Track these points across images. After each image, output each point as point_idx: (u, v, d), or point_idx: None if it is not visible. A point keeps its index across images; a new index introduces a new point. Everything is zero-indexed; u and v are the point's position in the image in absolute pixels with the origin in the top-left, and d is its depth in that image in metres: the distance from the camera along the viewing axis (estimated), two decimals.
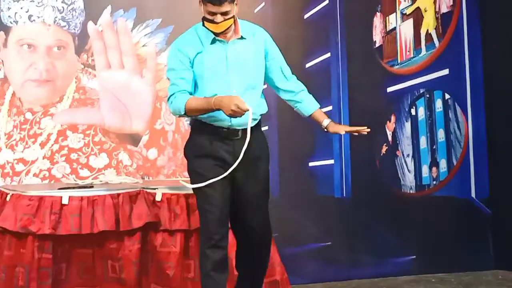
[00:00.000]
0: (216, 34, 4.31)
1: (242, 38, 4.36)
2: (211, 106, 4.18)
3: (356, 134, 4.55)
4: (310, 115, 4.57)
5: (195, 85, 4.34)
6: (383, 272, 6.14)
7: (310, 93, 4.57)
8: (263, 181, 4.42)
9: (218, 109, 4.16)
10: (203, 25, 4.29)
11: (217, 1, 4.19)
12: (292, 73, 4.56)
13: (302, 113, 4.58)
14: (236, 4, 4.29)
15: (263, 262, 4.52)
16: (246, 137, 4.24)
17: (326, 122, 4.54)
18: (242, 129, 4.30)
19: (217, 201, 4.31)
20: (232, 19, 4.28)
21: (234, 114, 4.13)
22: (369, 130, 4.48)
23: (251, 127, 4.28)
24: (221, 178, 4.27)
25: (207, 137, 4.32)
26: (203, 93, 4.30)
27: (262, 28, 4.51)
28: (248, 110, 4.12)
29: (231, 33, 4.34)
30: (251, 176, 4.36)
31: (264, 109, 4.46)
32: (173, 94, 4.30)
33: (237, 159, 4.24)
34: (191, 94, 4.30)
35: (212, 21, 4.23)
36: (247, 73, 4.34)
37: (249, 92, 4.32)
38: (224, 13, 4.21)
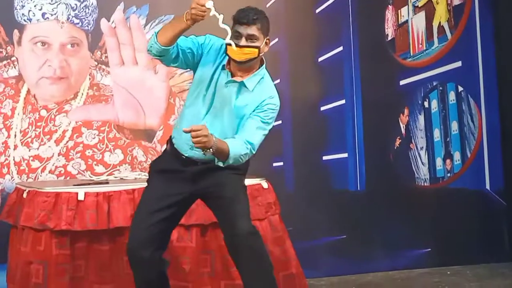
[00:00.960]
0: (231, 64, 4.01)
1: (245, 87, 4.02)
2: (182, 18, 3.82)
3: None
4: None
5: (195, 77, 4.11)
6: (398, 265, 6.14)
7: (245, 149, 4.00)
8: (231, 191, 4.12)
9: (190, 20, 3.79)
10: (226, 51, 3.99)
11: (244, 19, 3.92)
12: (254, 142, 4.02)
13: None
14: (266, 43, 4.02)
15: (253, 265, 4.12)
16: (206, 165, 4.04)
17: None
18: (200, 160, 4.08)
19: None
20: (256, 52, 3.97)
21: (195, 15, 3.76)
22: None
23: (216, 167, 3.99)
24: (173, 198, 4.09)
25: (171, 158, 4.16)
26: (193, 91, 4.12)
27: (275, 94, 4.10)
28: (204, 5, 3.74)
29: (241, 73, 4.03)
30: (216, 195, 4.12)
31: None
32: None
33: (195, 185, 4.08)
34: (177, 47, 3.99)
35: (235, 44, 3.91)
36: (225, 117, 4.05)
37: (217, 134, 3.92)
38: (250, 37, 3.94)
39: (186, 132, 3.77)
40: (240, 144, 3.94)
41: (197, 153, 4.04)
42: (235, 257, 4.13)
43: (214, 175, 4.11)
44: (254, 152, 4.02)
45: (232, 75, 4.05)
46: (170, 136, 4.23)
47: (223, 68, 4.05)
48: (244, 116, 4.03)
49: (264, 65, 4.13)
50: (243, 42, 3.94)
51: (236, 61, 3.98)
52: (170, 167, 4.16)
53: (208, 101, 4.06)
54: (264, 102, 4.03)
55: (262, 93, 4.05)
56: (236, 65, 4.00)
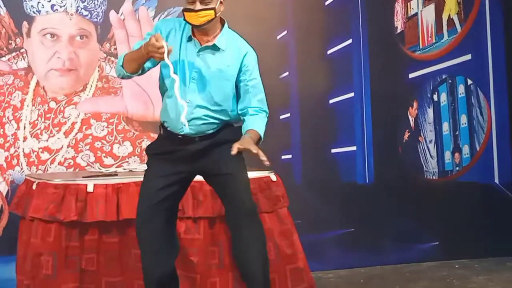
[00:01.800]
0: (194, 31, 4.10)
1: (216, 47, 4.12)
2: (141, 51, 3.97)
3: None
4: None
5: (161, 74, 4.22)
6: (406, 258, 6.15)
7: (266, 118, 4.24)
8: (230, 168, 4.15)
9: (148, 53, 3.92)
10: (184, 18, 4.08)
11: None
12: (265, 104, 4.23)
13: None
14: (221, 3, 4.08)
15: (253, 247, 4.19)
16: (204, 143, 4.13)
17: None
18: (199, 136, 4.16)
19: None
20: (213, 13, 4.04)
21: (152, 54, 3.91)
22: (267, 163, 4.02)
23: (212, 133, 4.15)
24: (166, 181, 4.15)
25: (166, 140, 4.20)
26: (162, 85, 4.21)
27: (247, 44, 4.22)
28: (162, 46, 3.86)
29: (209, 37, 4.11)
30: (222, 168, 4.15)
31: (232, 118, 4.23)
32: (120, 56, 4.15)
33: (193, 164, 4.14)
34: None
35: (190, 10, 4.01)
36: (209, 86, 4.11)
37: (207, 105, 4.11)
38: (203, 1, 4.01)
39: (232, 151, 3.94)
40: (260, 119, 4.17)
41: (192, 129, 4.12)
42: (236, 233, 4.18)
43: (213, 153, 4.16)
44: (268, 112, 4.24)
45: (200, 44, 4.13)
46: (161, 122, 4.25)
47: (188, 40, 4.13)
48: (228, 74, 4.13)
49: (226, 24, 4.19)
50: (198, 6, 4.03)
51: (196, 26, 4.06)
52: (167, 149, 4.18)
53: (185, 75, 4.11)
54: (244, 61, 4.15)
55: (237, 49, 4.16)
56: (198, 30, 4.09)
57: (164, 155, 4.20)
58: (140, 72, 4.16)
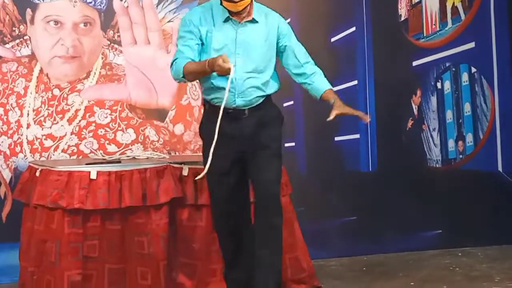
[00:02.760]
0: (231, 13, 4.36)
1: (254, 21, 4.40)
2: (205, 68, 4.23)
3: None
4: (321, 97, 4.56)
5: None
6: (410, 246, 6.15)
7: (325, 76, 4.59)
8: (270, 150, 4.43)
9: (213, 70, 4.21)
10: (221, 3, 4.35)
11: None
12: (310, 57, 4.59)
13: (315, 96, 4.59)
14: None
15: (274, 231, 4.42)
16: (254, 115, 4.39)
17: (332, 101, 4.54)
18: (248, 108, 4.40)
19: (227, 186, 4.45)
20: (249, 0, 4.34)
21: (220, 73, 4.20)
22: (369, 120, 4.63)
23: (257, 105, 4.41)
24: (228, 161, 4.39)
25: (216, 119, 4.27)
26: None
27: (276, 13, 4.53)
28: (229, 68, 4.15)
29: (245, 14, 4.38)
30: (264, 153, 4.40)
31: (273, 88, 4.50)
32: (175, 59, 4.36)
33: (246, 136, 4.38)
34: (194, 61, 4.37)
35: (230, 0, 4.28)
36: (254, 56, 4.39)
37: (254, 74, 4.39)
38: None
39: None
40: (323, 76, 4.58)
41: (243, 101, 4.39)
42: (261, 217, 4.38)
43: (261, 134, 4.41)
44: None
45: (239, 20, 4.38)
46: (207, 102, 4.46)
47: (225, 21, 4.37)
48: (269, 42, 4.42)
49: None
50: None
51: (234, 12, 4.36)
52: (223, 130, 4.28)
53: (230, 53, 4.33)
54: (280, 29, 4.48)
55: (271, 19, 4.46)
56: (234, 12, 4.36)
57: (219, 138, 4.27)
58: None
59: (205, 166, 4.30)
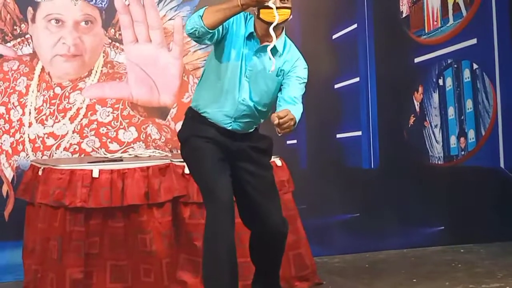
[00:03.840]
0: (258, 27, 4.02)
1: (274, 49, 4.01)
2: (236, 2, 3.83)
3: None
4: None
5: (214, 58, 4.14)
6: (412, 243, 6.15)
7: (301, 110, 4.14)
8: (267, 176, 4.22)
9: (245, 4, 3.82)
10: (258, 16, 4.00)
11: None
12: (300, 100, 4.14)
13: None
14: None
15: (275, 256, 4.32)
16: (247, 138, 4.14)
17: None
18: (241, 133, 4.15)
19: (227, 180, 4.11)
20: (289, 13, 4.03)
21: (259, 2, 3.85)
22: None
23: (251, 132, 4.17)
24: (221, 161, 4.08)
25: (208, 127, 4.13)
26: (211, 70, 4.16)
27: (301, 56, 4.19)
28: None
29: (270, 38, 3.96)
30: (255, 173, 4.17)
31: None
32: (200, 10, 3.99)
33: (237, 149, 4.11)
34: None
35: (268, 7, 3.91)
36: (261, 86, 4.10)
37: (257, 107, 4.12)
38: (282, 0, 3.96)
39: (274, 121, 3.76)
40: (299, 108, 4.02)
41: (239, 126, 4.12)
42: (262, 248, 4.26)
43: (253, 160, 4.14)
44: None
45: (260, 42, 4.07)
46: (196, 110, 4.17)
47: (249, 38, 4.05)
48: (279, 79, 4.09)
49: (284, 30, 4.14)
50: (278, 3, 3.95)
51: (271, 23, 3.93)
52: (211, 137, 4.10)
53: (240, 70, 4.07)
54: (296, 63, 4.11)
55: (292, 55, 4.12)
56: (269, 27, 3.93)
57: (210, 140, 4.10)
58: (215, 31, 3.94)
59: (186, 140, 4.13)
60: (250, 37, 4.07)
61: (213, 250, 4.02)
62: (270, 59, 3.99)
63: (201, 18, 3.86)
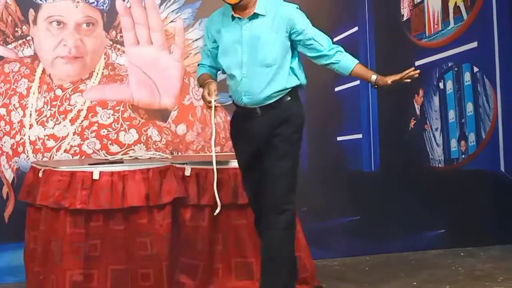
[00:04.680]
0: (233, 9, 4.37)
1: (259, 15, 4.36)
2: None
3: (408, 80, 4.60)
4: (351, 72, 4.50)
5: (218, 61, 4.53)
6: (412, 246, 6.15)
7: (347, 52, 4.52)
8: (283, 156, 4.39)
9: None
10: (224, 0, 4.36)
11: None
12: (330, 40, 4.50)
13: (343, 73, 4.53)
14: None
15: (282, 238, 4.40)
16: (266, 114, 4.39)
17: (374, 77, 4.51)
18: (260, 107, 4.42)
19: (251, 182, 4.53)
20: None
21: (203, 99, 4.42)
22: (418, 71, 4.55)
23: (270, 104, 4.39)
24: (248, 155, 4.49)
25: (236, 116, 4.56)
26: (222, 68, 4.52)
27: (288, 4, 4.46)
28: (210, 102, 4.34)
29: (249, 9, 4.37)
30: (271, 153, 4.39)
31: (289, 82, 4.45)
32: (199, 64, 4.66)
33: (258, 136, 4.40)
34: (210, 66, 4.60)
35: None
36: (260, 51, 4.35)
37: (263, 70, 4.36)
38: None
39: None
40: (342, 50, 4.49)
41: (250, 99, 4.41)
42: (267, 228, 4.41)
43: (272, 135, 4.40)
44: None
45: (243, 18, 4.39)
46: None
47: (232, 20, 4.40)
48: (278, 38, 4.37)
49: None
50: None
51: (234, 4, 4.34)
52: (239, 128, 4.54)
53: (238, 51, 4.40)
54: (289, 18, 4.38)
55: (277, 9, 4.40)
56: (237, 7, 4.36)
57: (240, 133, 4.53)
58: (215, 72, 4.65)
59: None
60: (233, 18, 4.40)
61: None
62: (256, 25, 4.36)
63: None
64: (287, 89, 4.44)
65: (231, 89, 4.51)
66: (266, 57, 4.36)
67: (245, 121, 4.47)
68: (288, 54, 4.43)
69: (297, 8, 4.45)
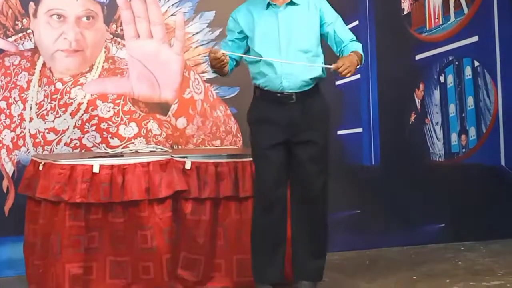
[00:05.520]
0: None
1: (294, 3, 4.56)
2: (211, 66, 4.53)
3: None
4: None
5: (249, 49, 4.64)
6: (412, 240, 6.15)
7: (359, 42, 4.72)
8: (317, 145, 4.62)
9: (214, 67, 4.50)
10: None
11: None
12: (351, 33, 4.73)
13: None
14: None
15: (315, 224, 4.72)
16: (302, 101, 4.51)
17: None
18: (296, 92, 4.54)
19: (271, 170, 4.56)
20: None
21: (215, 65, 4.45)
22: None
23: (304, 91, 4.54)
24: (275, 144, 4.53)
25: (265, 103, 4.59)
26: (257, 55, 4.56)
27: None
28: (223, 54, 4.39)
29: None
30: (305, 141, 4.57)
31: (323, 73, 4.63)
32: None
33: (293, 123, 4.51)
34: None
35: None
36: (297, 38, 4.54)
37: (300, 55, 4.53)
38: None
39: (336, 70, 4.39)
40: (356, 44, 4.63)
41: (291, 83, 4.52)
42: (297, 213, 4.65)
43: (307, 124, 4.55)
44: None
45: (278, 5, 4.58)
46: (257, 86, 4.63)
47: (267, 8, 4.57)
48: (313, 25, 4.58)
49: None
50: None
51: None
52: (267, 115, 4.56)
53: (276, 37, 4.54)
54: (320, 7, 4.61)
55: (313, 2, 4.61)
56: None
57: (266, 124, 4.56)
58: (229, 72, 4.67)
59: (252, 146, 4.62)
60: (268, 6, 4.57)
61: None
62: (292, 13, 4.54)
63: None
64: (321, 78, 4.63)
65: (265, 77, 4.55)
66: (303, 43, 4.54)
67: (277, 109, 4.53)
68: (319, 43, 4.65)
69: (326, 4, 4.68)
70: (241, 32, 4.64)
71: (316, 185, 4.63)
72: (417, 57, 6.26)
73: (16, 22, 5.49)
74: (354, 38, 4.68)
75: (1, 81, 5.46)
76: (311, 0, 4.61)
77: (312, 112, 4.58)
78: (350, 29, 6.03)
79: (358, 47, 4.60)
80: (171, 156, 4.96)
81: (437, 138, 6.31)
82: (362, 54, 4.58)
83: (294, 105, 4.55)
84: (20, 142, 5.47)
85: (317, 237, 4.73)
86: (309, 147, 4.59)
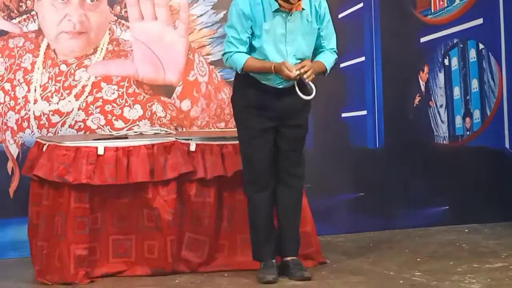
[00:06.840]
0: (282, 3, 4.56)
1: (302, 9, 4.64)
2: (271, 71, 4.56)
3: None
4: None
5: (251, 46, 4.66)
6: (416, 223, 6.16)
7: (334, 54, 4.86)
8: (301, 128, 4.81)
9: (277, 74, 4.56)
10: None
11: None
12: (335, 44, 4.87)
13: None
14: None
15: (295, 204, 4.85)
16: (295, 93, 4.61)
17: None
18: (289, 87, 4.65)
19: (262, 153, 4.70)
20: None
21: (286, 78, 4.56)
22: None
23: (298, 106, 4.71)
24: (266, 129, 4.67)
25: (257, 90, 4.67)
26: (260, 57, 4.63)
27: None
28: (296, 76, 4.53)
29: (296, 4, 4.58)
30: (292, 125, 4.73)
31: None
32: (231, 52, 4.64)
33: (286, 110, 4.67)
34: (247, 54, 4.65)
35: (287, 1, 4.52)
36: (302, 44, 4.67)
37: (301, 59, 4.67)
38: None
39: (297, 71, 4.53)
40: (329, 55, 4.80)
41: (290, 83, 4.63)
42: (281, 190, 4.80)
43: (296, 118, 4.75)
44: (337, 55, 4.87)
45: (288, 11, 4.62)
46: (250, 77, 4.68)
47: (274, 11, 4.60)
48: (314, 30, 4.71)
49: None
50: None
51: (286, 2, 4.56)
52: (260, 103, 4.68)
53: (282, 42, 4.65)
54: (319, 11, 4.72)
55: (312, 3, 4.70)
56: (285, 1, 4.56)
57: (258, 110, 4.68)
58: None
59: (244, 128, 4.73)
60: (278, 10, 4.59)
61: None
62: (299, 19, 4.63)
63: (242, 67, 4.62)
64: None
65: (266, 76, 4.64)
66: (307, 50, 4.70)
67: (271, 96, 4.66)
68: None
69: (325, 3, 4.77)
70: (251, 28, 4.65)
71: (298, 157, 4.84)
72: (422, 39, 6.25)
73: (20, 4, 5.48)
74: (335, 48, 4.83)
75: (6, 63, 5.45)
76: (312, 2, 4.70)
77: (303, 105, 4.76)
78: (355, 11, 6.09)
79: (330, 60, 4.78)
80: (176, 139, 4.97)
81: (442, 121, 6.31)
82: (331, 66, 4.79)
83: (292, 95, 4.66)
84: (25, 124, 5.47)
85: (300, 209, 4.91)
86: (296, 130, 4.78)
